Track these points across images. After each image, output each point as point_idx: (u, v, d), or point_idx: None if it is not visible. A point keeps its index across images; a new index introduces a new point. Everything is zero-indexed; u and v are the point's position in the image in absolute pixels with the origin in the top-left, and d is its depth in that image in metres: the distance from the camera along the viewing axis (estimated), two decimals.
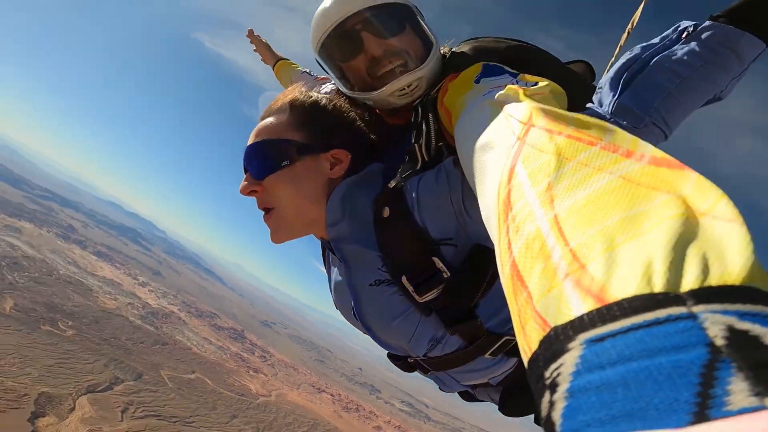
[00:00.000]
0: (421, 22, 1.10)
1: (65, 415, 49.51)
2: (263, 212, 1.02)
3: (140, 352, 79.20)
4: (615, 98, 1.04)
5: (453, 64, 1.08)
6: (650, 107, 0.99)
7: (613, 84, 1.06)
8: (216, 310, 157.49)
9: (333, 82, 1.20)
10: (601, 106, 1.08)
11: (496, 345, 0.93)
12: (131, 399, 59.96)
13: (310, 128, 1.01)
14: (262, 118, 1.06)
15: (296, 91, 1.08)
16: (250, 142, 1.02)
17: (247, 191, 1.00)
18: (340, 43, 1.07)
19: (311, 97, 1.06)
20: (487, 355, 0.95)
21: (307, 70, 1.77)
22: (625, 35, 1.60)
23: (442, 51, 1.14)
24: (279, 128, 1.01)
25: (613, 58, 1.58)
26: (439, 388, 1.18)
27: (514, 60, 1.01)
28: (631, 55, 1.09)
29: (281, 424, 79.52)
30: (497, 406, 1.10)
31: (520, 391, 1.04)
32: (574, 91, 0.92)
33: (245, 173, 1.03)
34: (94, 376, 60.90)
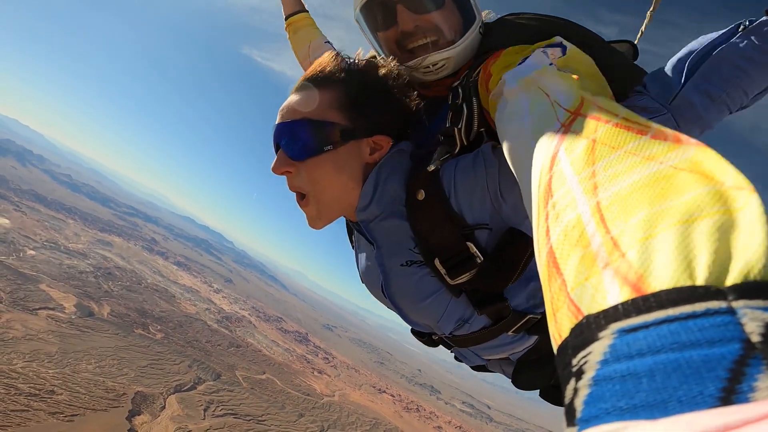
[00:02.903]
0: None
1: (157, 413, 54.75)
2: (297, 196, 0.97)
3: (218, 354, 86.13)
4: (678, 90, 1.00)
5: (490, 43, 1.05)
6: (713, 103, 0.97)
7: (676, 74, 1.02)
8: (281, 314, 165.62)
9: (371, 47, 1.18)
10: (653, 94, 1.03)
11: (520, 323, 0.93)
12: (212, 398, 65.51)
13: (356, 108, 0.94)
14: (298, 89, 0.97)
15: (343, 60, 0.99)
16: (287, 117, 0.94)
17: (281, 171, 0.94)
18: (376, 13, 1.07)
19: (359, 68, 0.98)
20: (509, 333, 0.96)
21: (329, 41, 1.62)
22: (647, 19, 1.64)
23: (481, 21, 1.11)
24: (322, 107, 0.92)
25: (640, 34, 1.62)
26: (457, 359, 1.21)
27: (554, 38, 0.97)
28: (690, 47, 1.05)
29: (344, 423, 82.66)
30: (510, 379, 1.12)
31: (532, 366, 1.05)
32: (617, 70, 0.91)
33: (277, 150, 0.96)
34: (181, 376, 67.05)
